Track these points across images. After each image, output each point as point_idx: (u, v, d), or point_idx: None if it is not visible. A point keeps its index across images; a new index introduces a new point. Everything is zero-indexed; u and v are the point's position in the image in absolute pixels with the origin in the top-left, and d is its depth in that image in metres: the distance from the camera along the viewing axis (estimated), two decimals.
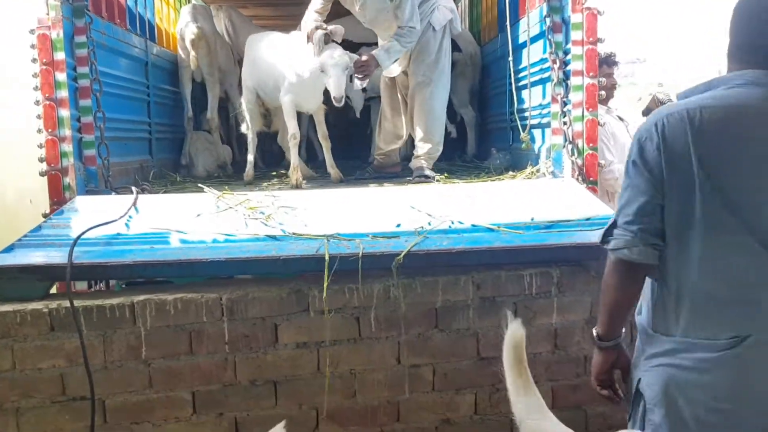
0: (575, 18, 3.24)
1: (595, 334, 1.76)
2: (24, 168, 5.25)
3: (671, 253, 1.54)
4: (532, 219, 2.69)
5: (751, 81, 1.50)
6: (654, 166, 1.52)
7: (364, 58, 3.91)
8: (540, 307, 2.49)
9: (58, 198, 3.15)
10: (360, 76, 3.92)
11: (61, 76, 3.15)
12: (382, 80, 4.59)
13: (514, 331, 1.37)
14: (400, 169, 4.59)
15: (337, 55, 3.73)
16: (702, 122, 1.48)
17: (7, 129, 5.08)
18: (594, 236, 2.51)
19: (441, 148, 4.31)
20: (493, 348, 2.48)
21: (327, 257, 2.37)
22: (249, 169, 4.39)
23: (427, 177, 4.02)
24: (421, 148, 4.20)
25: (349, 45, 4.55)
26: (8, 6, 5.02)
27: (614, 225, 1.63)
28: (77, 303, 2.28)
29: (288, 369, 2.42)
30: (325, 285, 2.35)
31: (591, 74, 3.24)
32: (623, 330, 1.73)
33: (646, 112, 4.94)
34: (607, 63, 3.88)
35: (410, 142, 5.48)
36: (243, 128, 4.68)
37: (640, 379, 1.64)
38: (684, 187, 1.49)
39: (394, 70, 4.33)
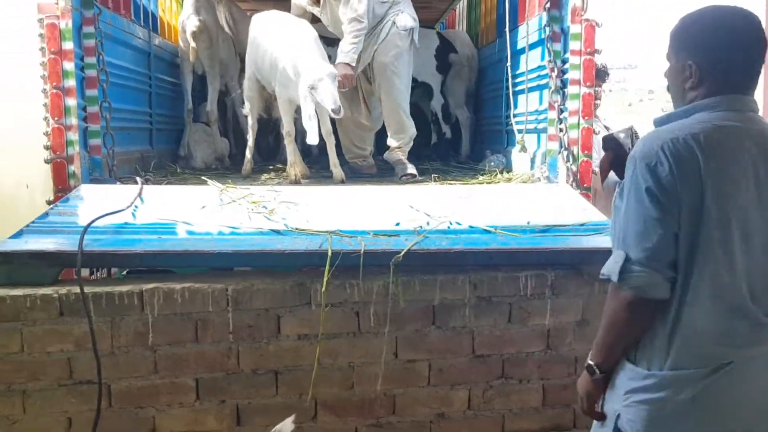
0: (574, 29, 3.34)
1: (592, 364, 1.65)
2: (21, 156, 5.29)
3: (677, 285, 1.51)
4: (528, 222, 2.78)
5: (731, 107, 1.55)
6: (671, 192, 1.47)
7: (339, 74, 3.84)
8: (534, 308, 2.58)
9: (63, 185, 3.20)
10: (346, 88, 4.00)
11: (69, 66, 3.19)
12: None
13: None
14: (375, 170, 4.60)
15: (321, 69, 3.57)
16: (709, 146, 1.48)
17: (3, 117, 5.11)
18: (582, 241, 2.62)
19: (412, 139, 4.42)
20: (487, 346, 2.58)
21: (330, 252, 2.45)
22: (246, 164, 4.42)
23: (413, 176, 4.14)
24: (396, 140, 4.33)
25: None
26: None
27: (628, 260, 1.52)
28: (87, 290, 2.34)
29: (289, 360, 2.50)
30: (325, 279, 2.42)
31: (588, 84, 3.34)
32: None
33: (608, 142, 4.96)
34: (597, 76, 3.97)
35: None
36: (245, 110, 4.57)
37: (619, 415, 1.59)
38: (694, 214, 1.48)
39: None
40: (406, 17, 4.33)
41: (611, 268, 1.55)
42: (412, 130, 4.39)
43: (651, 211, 1.49)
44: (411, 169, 4.24)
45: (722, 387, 1.48)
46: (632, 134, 5.04)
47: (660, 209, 1.49)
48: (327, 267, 2.44)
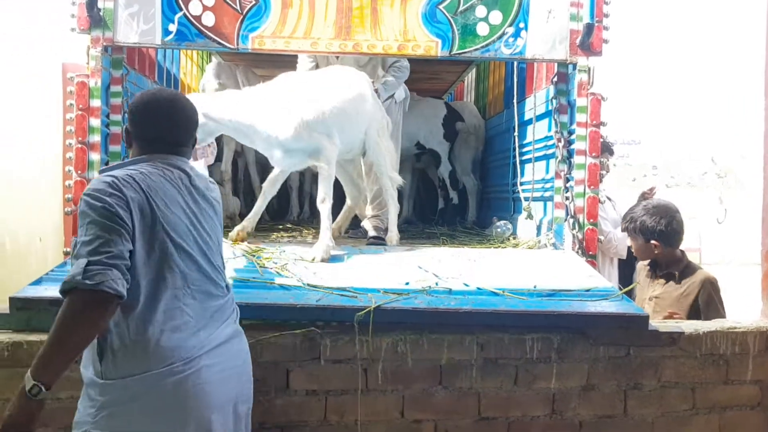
0: (580, 102, 3.48)
1: (39, 383, 1.71)
2: (35, 210, 5.43)
3: (138, 295, 1.82)
4: (535, 286, 2.84)
5: (162, 161, 2.01)
6: (121, 214, 1.78)
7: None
8: (540, 372, 2.60)
9: None
10: None
11: (95, 122, 3.33)
12: None
13: None
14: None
15: None
16: (149, 183, 1.89)
17: (18, 175, 5.29)
18: (588, 306, 2.67)
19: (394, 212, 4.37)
20: (493, 408, 2.60)
21: (374, 305, 2.52)
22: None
23: (381, 240, 4.05)
24: (376, 209, 4.30)
25: None
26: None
27: (90, 263, 1.70)
28: None
29: (295, 415, 2.51)
30: (371, 329, 2.50)
31: (593, 154, 3.46)
32: None
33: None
34: (604, 149, 4.12)
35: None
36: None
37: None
38: (147, 234, 1.85)
39: None
40: (402, 89, 4.73)
41: (73, 272, 1.71)
42: (394, 203, 4.16)
43: (106, 227, 1.75)
44: (381, 233, 4.13)
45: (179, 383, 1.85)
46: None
47: (112, 225, 1.76)
48: (371, 319, 2.49)
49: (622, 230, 3.62)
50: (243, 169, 5.77)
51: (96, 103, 3.34)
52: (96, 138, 3.33)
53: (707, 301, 3.11)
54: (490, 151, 5.63)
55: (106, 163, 3.44)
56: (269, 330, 2.56)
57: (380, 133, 3.90)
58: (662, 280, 3.28)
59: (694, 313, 3.11)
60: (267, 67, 6.38)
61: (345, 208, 4.19)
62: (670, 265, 3.26)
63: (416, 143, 5.49)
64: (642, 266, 3.50)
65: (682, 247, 3.31)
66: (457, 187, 5.68)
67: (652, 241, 3.22)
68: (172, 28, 3.41)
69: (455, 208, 5.66)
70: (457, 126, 5.61)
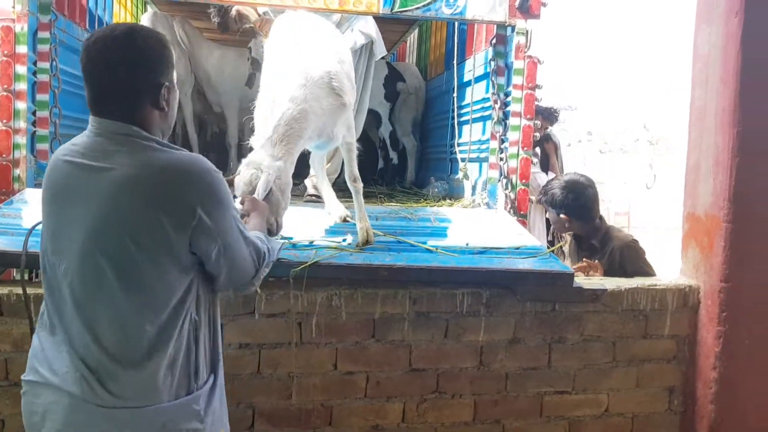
0: (517, 64, 3.54)
1: None
2: None
3: None
4: (467, 244, 2.91)
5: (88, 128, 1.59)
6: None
7: None
8: (469, 325, 2.69)
9: (6, 189, 3.18)
10: None
11: (22, 69, 3.19)
12: None
13: None
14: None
15: None
16: (54, 165, 1.58)
17: None
18: (517, 263, 2.76)
19: (338, 172, 4.39)
20: (423, 360, 2.68)
21: (311, 261, 2.51)
22: None
23: (319, 198, 4.11)
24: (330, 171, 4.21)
25: None
26: None
27: None
28: (29, 290, 2.32)
29: (229, 368, 2.51)
30: (304, 284, 2.51)
31: (528, 116, 3.54)
32: None
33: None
34: (547, 117, 4.21)
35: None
36: None
37: None
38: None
39: None
40: (356, 35, 4.26)
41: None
42: (337, 163, 4.29)
43: None
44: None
45: None
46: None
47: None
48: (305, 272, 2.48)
49: (537, 202, 3.70)
50: (180, 122, 5.63)
51: (22, 49, 3.20)
52: (22, 86, 3.20)
53: (635, 266, 3.22)
54: (430, 112, 5.67)
55: (33, 113, 3.33)
56: None
57: None
58: (588, 253, 3.37)
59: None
60: (205, 19, 6.20)
61: None
62: (590, 236, 3.35)
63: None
64: (568, 237, 3.59)
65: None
66: (397, 148, 5.72)
67: (562, 215, 3.29)
68: None
69: (395, 169, 5.70)
70: (398, 86, 5.61)
